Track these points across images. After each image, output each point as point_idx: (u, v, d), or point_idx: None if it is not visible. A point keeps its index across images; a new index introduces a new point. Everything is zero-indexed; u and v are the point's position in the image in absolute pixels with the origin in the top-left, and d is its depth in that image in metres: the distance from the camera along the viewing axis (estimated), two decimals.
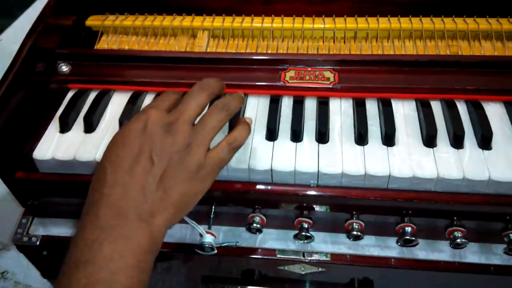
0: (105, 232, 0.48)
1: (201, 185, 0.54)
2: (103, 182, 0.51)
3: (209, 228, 0.69)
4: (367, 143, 0.64)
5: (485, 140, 0.62)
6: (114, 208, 0.49)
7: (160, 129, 0.53)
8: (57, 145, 0.66)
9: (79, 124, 0.69)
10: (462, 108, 0.67)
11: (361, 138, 0.64)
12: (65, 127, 0.68)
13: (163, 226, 0.52)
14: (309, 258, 0.70)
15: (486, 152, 0.62)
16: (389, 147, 0.64)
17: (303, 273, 0.73)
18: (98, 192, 0.51)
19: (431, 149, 0.63)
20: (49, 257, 0.76)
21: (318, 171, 0.62)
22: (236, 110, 0.58)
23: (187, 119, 0.54)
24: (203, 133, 0.54)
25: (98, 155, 0.64)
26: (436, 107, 0.68)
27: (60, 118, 0.69)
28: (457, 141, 0.63)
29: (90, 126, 0.68)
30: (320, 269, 0.73)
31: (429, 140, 0.63)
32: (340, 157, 0.63)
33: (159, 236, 0.51)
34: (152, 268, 0.50)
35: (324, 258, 0.70)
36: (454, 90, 0.68)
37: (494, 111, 0.67)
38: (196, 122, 0.56)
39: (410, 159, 0.62)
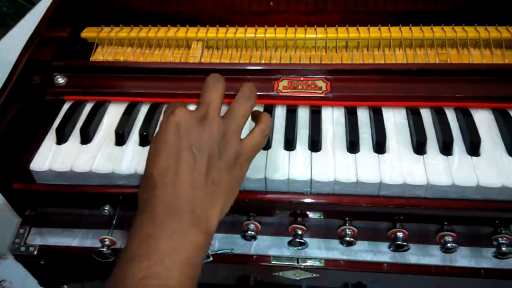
0: (160, 228, 0.49)
1: (241, 171, 0.56)
2: (153, 185, 0.52)
3: None
4: (358, 151, 0.66)
5: (473, 147, 0.64)
6: (168, 206, 0.50)
7: (195, 123, 0.53)
8: (53, 157, 0.67)
9: (75, 135, 0.70)
10: (451, 116, 0.69)
11: (352, 146, 0.66)
12: (61, 139, 0.69)
13: (216, 219, 0.53)
14: (303, 264, 0.72)
15: (474, 158, 0.64)
16: (380, 155, 0.65)
17: (297, 278, 0.74)
18: (149, 194, 0.52)
19: (421, 156, 0.64)
20: (46, 266, 0.77)
21: (311, 179, 0.63)
22: (256, 97, 0.59)
23: (216, 110, 0.55)
24: (235, 122, 0.55)
25: (94, 166, 0.65)
26: (426, 114, 0.69)
27: (57, 130, 0.70)
28: (446, 148, 0.64)
29: (86, 138, 0.69)
30: (314, 275, 0.74)
31: (419, 147, 0.64)
32: (333, 165, 0.64)
33: (212, 231, 0.53)
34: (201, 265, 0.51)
35: (317, 263, 0.71)
36: (444, 98, 0.70)
37: (482, 118, 0.69)
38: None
39: (400, 166, 0.63)
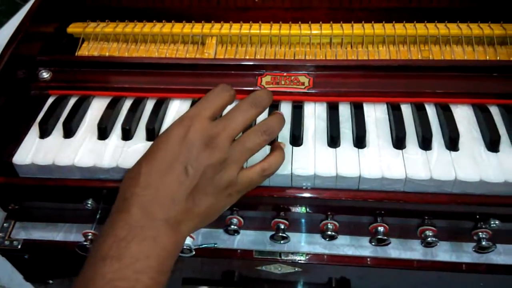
0: (133, 231, 0.50)
1: (227, 200, 0.57)
2: (136, 181, 0.52)
3: None
4: (339, 146, 0.66)
5: (452, 142, 0.64)
6: (144, 209, 0.51)
7: (200, 140, 0.53)
8: (36, 150, 0.68)
9: (58, 129, 0.70)
10: (431, 111, 0.69)
11: (333, 140, 0.66)
12: (44, 133, 0.69)
13: (186, 233, 0.54)
14: (285, 258, 0.72)
15: (453, 153, 0.64)
16: (360, 149, 0.65)
17: (280, 273, 0.75)
18: (130, 190, 0.52)
19: (400, 150, 0.65)
20: (30, 260, 0.78)
21: (292, 173, 0.64)
22: (277, 135, 0.59)
23: (229, 136, 0.55)
24: (240, 152, 0.55)
25: (76, 160, 0.66)
26: (406, 110, 0.70)
27: (40, 123, 0.70)
28: (425, 143, 0.65)
29: (69, 132, 0.69)
30: (296, 269, 0.74)
31: (398, 142, 0.65)
32: (313, 159, 0.65)
33: (182, 242, 0.54)
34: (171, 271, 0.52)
35: (300, 257, 0.72)
36: (424, 93, 0.70)
37: (462, 113, 0.69)
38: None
39: (379, 160, 0.64)
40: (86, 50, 0.83)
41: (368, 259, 0.72)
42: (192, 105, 0.72)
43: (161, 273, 0.50)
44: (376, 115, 0.70)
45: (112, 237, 0.50)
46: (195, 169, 0.52)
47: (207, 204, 0.54)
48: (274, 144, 0.62)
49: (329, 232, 0.67)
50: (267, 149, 0.63)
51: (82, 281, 0.48)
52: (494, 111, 0.69)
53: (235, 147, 0.55)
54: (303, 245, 0.73)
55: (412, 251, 0.71)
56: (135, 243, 0.49)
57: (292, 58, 0.80)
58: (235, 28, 0.83)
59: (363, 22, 0.81)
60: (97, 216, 0.71)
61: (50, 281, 0.89)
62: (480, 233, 0.66)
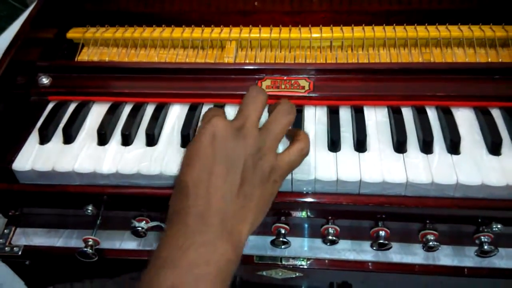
0: (192, 239, 0.49)
1: (274, 187, 0.56)
2: (186, 195, 0.51)
3: None
4: (339, 150, 0.66)
5: (453, 145, 0.64)
6: (200, 218, 0.50)
7: (231, 135, 0.53)
8: (36, 156, 0.67)
9: (58, 135, 0.70)
10: (432, 114, 0.69)
11: (333, 144, 0.66)
12: (44, 139, 0.69)
13: (246, 233, 0.53)
14: (286, 263, 0.72)
15: (454, 156, 0.64)
16: (360, 153, 0.65)
17: (281, 278, 0.74)
18: (181, 204, 0.52)
19: (401, 154, 0.64)
20: (31, 266, 0.78)
21: (292, 177, 0.63)
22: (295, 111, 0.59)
23: (253, 123, 0.55)
24: (272, 136, 0.55)
25: (76, 165, 0.66)
26: (407, 113, 0.69)
27: (40, 129, 0.70)
28: (426, 147, 0.64)
29: (69, 138, 0.69)
30: (298, 274, 0.74)
31: (399, 146, 0.65)
32: (314, 163, 0.64)
33: (242, 245, 0.52)
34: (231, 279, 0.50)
35: (301, 262, 0.71)
36: (425, 96, 0.70)
37: (464, 116, 0.69)
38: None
39: (380, 164, 0.63)
40: (86, 55, 0.83)
41: (370, 264, 0.71)
42: (190, 109, 0.72)
43: (222, 280, 0.48)
44: (376, 118, 0.70)
45: (171, 245, 0.49)
46: (234, 162, 0.52)
47: (257, 195, 0.53)
48: (290, 129, 0.61)
49: (330, 237, 0.67)
50: None
51: (142, 286, 0.48)
52: (496, 113, 0.68)
53: (265, 133, 0.55)
54: (304, 250, 0.73)
55: (414, 255, 0.71)
56: (192, 249, 0.48)
57: (292, 62, 0.79)
58: (235, 32, 0.83)
59: (363, 25, 0.81)
60: (98, 222, 0.71)
61: (51, 287, 0.88)
62: (482, 237, 0.65)
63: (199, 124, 0.56)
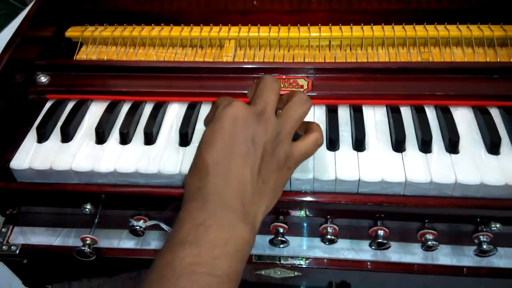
0: (211, 218, 0.49)
1: (287, 174, 0.56)
2: (205, 173, 0.51)
3: None
4: (338, 149, 0.66)
5: (452, 144, 0.64)
6: (219, 197, 0.50)
7: (253, 118, 0.53)
8: (34, 155, 0.67)
9: (56, 134, 0.70)
10: (431, 113, 0.69)
11: (332, 144, 0.66)
12: (42, 137, 0.69)
13: (261, 216, 0.53)
14: (285, 262, 0.72)
15: (453, 156, 0.64)
16: (359, 152, 0.65)
17: (279, 277, 0.74)
18: (201, 181, 0.52)
19: (400, 154, 0.64)
20: (29, 265, 0.77)
21: (291, 176, 0.63)
22: None
23: (272, 109, 0.55)
24: (290, 123, 0.55)
25: (74, 164, 0.65)
26: (406, 112, 0.69)
27: (38, 128, 0.70)
28: (425, 146, 0.64)
29: (67, 136, 0.69)
30: (296, 273, 0.74)
31: (398, 145, 0.65)
32: (312, 162, 0.64)
33: (257, 227, 0.53)
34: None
35: (299, 262, 0.71)
36: (424, 95, 0.70)
37: (462, 115, 0.69)
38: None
39: (379, 163, 0.63)
40: (85, 54, 0.83)
41: (368, 263, 0.71)
42: (189, 108, 0.72)
43: (239, 261, 0.49)
44: (375, 118, 0.69)
45: (190, 222, 0.49)
46: (255, 146, 0.52)
47: (273, 180, 0.54)
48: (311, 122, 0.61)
49: (329, 236, 0.67)
50: None
51: (160, 265, 0.48)
52: (495, 113, 0.68)
53: (283, 120, 0.55)
54: (303, 249, 0.72)
55: (413, 254, 0.71)
56: (213, 229, 0.48)
57: (291, 61, 0.79)
58: (234, 31, 0.83)
59: (362, 24, 0.81)
60: (96, 221, 0.71)
61: (49, 286, 0.88)
62: (481, 237, 0.65)
63: (217, 109, 0.55)
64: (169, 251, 0.48)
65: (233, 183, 0.51)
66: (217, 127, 0.53)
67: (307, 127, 0.60)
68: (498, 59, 0.76)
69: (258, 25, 0.83)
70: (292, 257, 0.72)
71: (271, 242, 0.69)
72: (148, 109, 0.73)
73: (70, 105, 0.74)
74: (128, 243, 0.75)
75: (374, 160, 0.64)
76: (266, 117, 0.54)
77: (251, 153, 0.52)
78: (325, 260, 0.72)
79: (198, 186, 0.52)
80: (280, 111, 0.57)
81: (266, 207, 0.54)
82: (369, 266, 0.71)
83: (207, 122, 0.61)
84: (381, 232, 0.67)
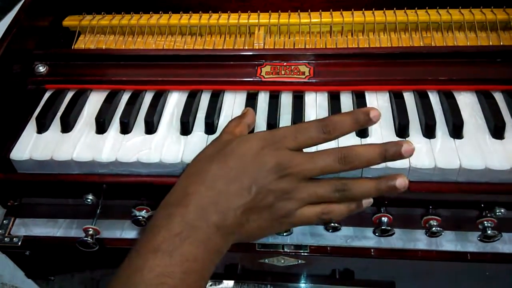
0: (188, 230, 0.49)
1: (278, 227, 0.56)
2: (202, 179, 0.52)
3: None
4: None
5: (456, 129, 0.63)
6: (202, 211, 0.51)
7: (273, 165, 0.52)
8: (34, 146, 0.67)
9: (56, 124, 0.69)
10: (434, 98, 0.68)
11: None
12: (42, 128, 0.68)
13: (231, 243, 0.54)
14: (288, 251, 0.71)
15: (457, 141, 0.63)
16: (362, 138, 0.64)
17: (283, 265, 0.74)
18: (193, 187, 0.52)
19: (404, 139, 0.64)
20: (31, 257, 0.77)
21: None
22: (354, 195, 0.55)
23: (302, 175, 0.53)
24: (308, 194, 0.54)
25: (75, 154, 0.65)
26: (409, 98, 0.69)
27: (37, 118, 0.69)
28: (428, 131, 0.63)
29: (67, 126, 0.68)
30: (300, 261, 0.73)
31: (401, 130, 0.64)
32: (315, 149, 0.63)
33: (224, 252, 0.53)
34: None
35: (303, 250, 0.71)
36: (427, 80, 0.69)
37: (466, 100, 0.68)
38: None
39: None
40: (83, 43, 0.82)
41: (372, 250, 0.71)
42: (189, 96, 0.71)
43: (203, 278, 0.50)
44: (378, 103, 0.69)
45: (166, 230, 0.49)
46: (258, 189, 0.52)
47: (257, 225, 0.54)
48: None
49: (333, 224, 0.67)
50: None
51: (129, 269, 0.48)
52: (499, 97, 0.67)
53: (306, 186, 0.53)
54: (306, 237, 0.72)
55: (417, 241, 0.71)
56: (188, 242, 0.49)
57: (291, 48, 0.78)
58: (233, 18, 0.81)
59: (363, 9, 0.80)
60: (98, 211, 0.70)
61: (52, 278, 0.88)
62: (485, 222, 0.65)
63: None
64: (141, 255, 0.48)
65: (220, 204, 0.51)
66: (241, 150, 0.53)
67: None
68: (501, 43, 0.75)
69: (258, 11, 0.82)
70: (296, 245, 0.71)
71: None
72: (148, 98, 0.72)
73: (69, 95, 0.73)
74: (130, 233, 0.75)
75: None
76: (288, 175, 0.52)
77: (249, 193, 0.52)
78: (328, 248, 0.71)
79: (189, 192, 0.52)
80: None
81: (238, 238, 0.54)
82: (372, 253, 0.71)
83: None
84: (385, 219, 0.66)
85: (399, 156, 0.52)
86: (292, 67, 0.73)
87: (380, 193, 0.54)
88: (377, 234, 0.68)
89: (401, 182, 0.53)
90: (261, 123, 0.68)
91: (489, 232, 0.65)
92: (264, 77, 0.72)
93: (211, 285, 0.80)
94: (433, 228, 0.65)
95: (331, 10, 0.81)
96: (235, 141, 0.55)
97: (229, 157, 0.53)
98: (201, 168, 0.54)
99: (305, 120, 0.67)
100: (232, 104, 0.71)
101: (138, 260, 0.48)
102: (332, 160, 0.53)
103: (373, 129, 0.65)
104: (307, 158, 0.54)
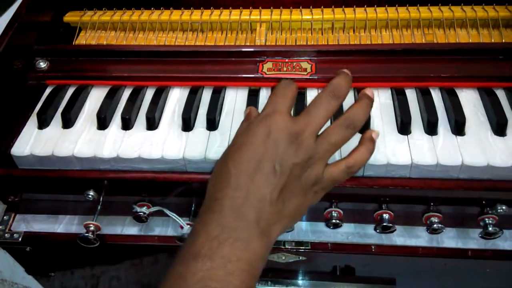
0: (226, 232, 0.49)
1: (313, 198, 0.55)
2: (227, 183, 0.51)
3: (190, 220, 0.69)
4: None
5: (458, 126, 0.63)
6: (237, 211, 0.50)
7: (285, 138, 0.52)
8: (35, 141, 0.66)
9: (57, 120, 0.69)
10: (436, 95, 0.68)
11: None
12: (43, 123, 0.68)
13: (276, 235, 0.53)
14: (289, 247, 0.71)
15: (459, 138, 0.63)
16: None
17: (284, 261, 0.74)
18: (221, 192, 0.52)
19: (406, 136, 0.64)
20: (32, 253, 0.77)
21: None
22: (362, 125, 0.55)
23: (313, 131, 0.53)
24: (325, 148, 0.53)
25: (76, 150, 0.65)
26: (411, 95, 0.68)
27: (38, 114, 0.69)
28: (431, 128, 0.63)
29: (68, 122, 0.68)
30: (301, 258, 0.73)
31: (404, 127, 0.64)
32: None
33: (270, 246, 0.52)
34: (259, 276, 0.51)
35: (304, 246, 0.71)
36: (429, 77, 0.69)
37: (468, 97, 0.68)
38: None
39: (385, 146, 0.62)
40: (84, 39, 0.82)
41: (373, 247, 0.71)
42: (191, 92, 0.71)
43: (252, 277, 0.49)
44: (380, 100, 0.69)
45: (204, 235, 0.49)
46: (283, 168, 0.51)
47: (295, 203, 0.53)
48: (363, 136, 0.57)
49: (334, 220, 0.67)
50: None
51: (173, 277, 0.48)
52: (501, 94, 0.67)
53: (320, 143, 0.53)
54: (307, 233, 0.72)
55: (418, 238, 0.71)
56: (227, 244, 0.48)
57: (293, 44, 0.78)
58: (235, 15, 0.81)
59: (365, 6, 0.80)
60: (98, 207, 0.70)
61: (52, 274, 0.88)
62: (486, 219, 0.65)
63: (261, 113, 0.55)
64: (182, 263, 0.48)
65: (252, 199, 0.50)
66: (249, 139, 0.52)
67: (359, 143, 0.57)
68: (503, 40, 0.75)
69: (260, 8, 0.82)
70: (297, 242, 0.71)
71: None
72: (149, 94, 0.72)
73: (70, 91, 0.73)
74: (131, 229, 0.74)
75: (379, 143, 0.63)
76: (302, 139, 0.52)
77: (276, 174, 0.51)
78: (329, 245, 0.71)
79: (218, 197, 0.51)
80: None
81: (283, 228, 0.53)
82: (373, 250, 0.71)
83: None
84: (386, 216, 0.66)
85: (367, 97, 0.57)
86: (294, 63, 0.72)
87: (371, 106, 0.57)
88: (378, 231, 0.68)
89: (368, 91, 0.58)
90: None
91: (490, 229, 0.65)
92: (266, 74, 0.72)
93: None
94: (434, 225, 0.65)
95: (333, 6, 0.81)
96: (239, 137, 0.55)
97: (241, 151, 0.52)
98: (220, 172, 0.53)
99: None
100: (234, 100, 0.71)
101: (180, 267, 0.48)
102: (327, 101, 0.54)
103: (375, 126, 0.65)
104: (307, 115, 0.54)
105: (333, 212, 0.67)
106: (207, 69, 0.73)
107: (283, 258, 0.74)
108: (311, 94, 0.71)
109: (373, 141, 0.57)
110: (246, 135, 0.53)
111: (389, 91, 0.70)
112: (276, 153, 0.51)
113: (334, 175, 0.54)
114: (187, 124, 0.67)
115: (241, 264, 0.48)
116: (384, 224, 0.66)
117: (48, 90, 0.74)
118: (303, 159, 0.52)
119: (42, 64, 0.75)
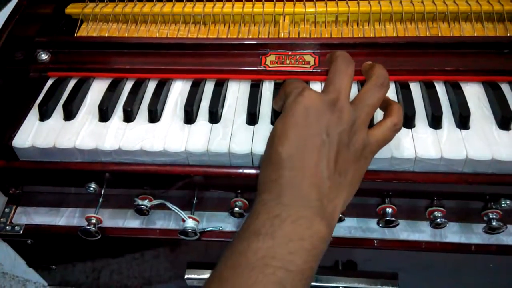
0: (287, 210, 0.47)
1: (365, 164, 0.54)
2: (280, 165, 0.50)
3: (192, 213, 0.69)
4: None
5: (462, 120, 0.63)
6: (296, 190, 0.48)
7: (325, 108, 0.51)
8: (36, 133, 0.66)
9: (58, 112, 0.69)
10: (440, 89, 0.67)
11: None
12: (44, 115, 0.68)
13: (338, 212, 0.51)
14: None
15: (464, 131, 0.62)
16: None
17: None
18: (276, 173, 0.50)
19: (410, 129, 0.63)
20: (33, 246, 0.77)
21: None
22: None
23: (346, 97, 0.52)
24: (365, 110, 0.52)
25: (78, 142, 0.64)
26: (415, 88, 0.68)
27: (40, 106, 0.68)
28: (435, 122, 0.63)
29: (69, 114, 0.68)
30: None
31: (408, 121, 0.63)
32: None
33: (334, 224, 0.51)
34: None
35: None
36: (433, 71, 0.69)
37: (472, 91, 0.67)
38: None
39: None
40: (85, 31, 0.81)
41: (376, 241, 0.71)
42: (193, 85, 0.70)
43: (314, 258, 0.47)
44: None
45: (265, 214, 0.48)
46: (331, 137, 0.50)
47: (351, 173, 0.51)
48: (384, 100, 0.56)
49: None
50: None
51: (233, 254, 0.47)
52: (505, 88, 0.67)
53: (357, 107, 0.52)
54: None
55: (421, 232, 0.70)
56: (289, 222, 0.46)
57: (297, 37, 0.78)
58: (238, 7, 0.81)
59: None
60: (100, 200, 0.70)
61: (53, 267, 0.88)
62: (490, 214, 0.65)
63: (286, 95, 0.54)
64: (243, 240, 0.47)
65: (309, 176, 0.49)
66: (290, 119, 0.51)
67: (386, 106, 0.56)
68: (508, 34, 0.74)
69: (263, 0, 0.81)
70: None
71: None
72: (151, 86, 0.71)
73: (72, 83, 0.73)
74: (133, 222, 0.74)
75: None
76: (340, 105, 0.51)
77: (326, 146, 0.50)
78: (331, 239, 0.71)
79: (273, 178, 0.50)
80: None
81: (344, 201, 0.52)
82: (376, 244, 0.71)
83: (276, 103, 0.60)
84: (389, 210, 0.66)
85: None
86: (297, 56, 0.72)
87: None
88: (381, 225, 0.68)
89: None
90: (265, 112, 0.67)
91: (494, 223, 0.64)
92: (269, 66, 0.71)
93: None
94: (438, 220, 0.65)
95: None
96: (280, 120, 0.53)
97: (287, 134, 0.51)
98: (270, 158, 0.52)
99: None
100: (236, 93, 0.70)
101: (240, 245, 0.47)
102: (343, 65, 0.55)
103: (379, 120, 0.64)
104: (334, 84, 0.53)
105: None
106: (210, 62, 0.73)
107: None
108: (315, 87, 0.70)
109: (399, 105, 0.56)
110: (286, 117, 0.52)
111: (393, 85, 0.69)
112: (320, 125, 0.50)
113: (382, 134, 0.54)
114: (189, 117, 0.66)
115: (303, 243, 0.46)
116: (387, 218, 0.66)
117: (49, 82, 0.73)
118: (347, 124, 0.51)
119: (44, 56, 0.75)
